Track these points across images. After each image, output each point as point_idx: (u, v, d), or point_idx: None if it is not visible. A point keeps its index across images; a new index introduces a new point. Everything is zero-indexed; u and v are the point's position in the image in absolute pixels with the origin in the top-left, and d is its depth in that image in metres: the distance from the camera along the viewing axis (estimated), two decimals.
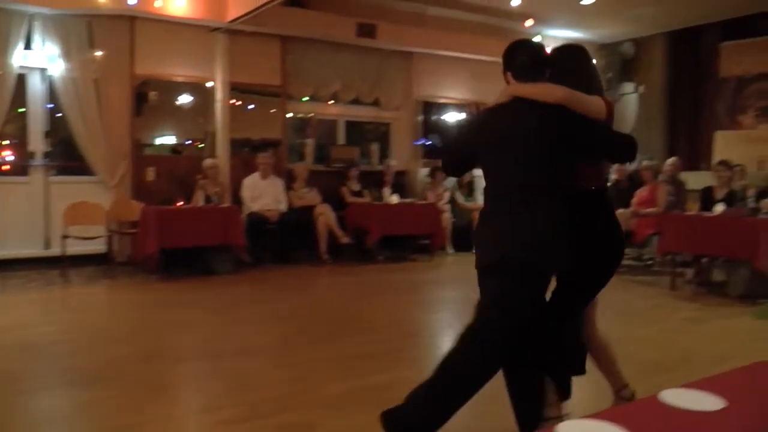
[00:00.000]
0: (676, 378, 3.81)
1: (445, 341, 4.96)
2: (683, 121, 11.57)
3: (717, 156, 10.06)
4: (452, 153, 3.03)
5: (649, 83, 11.70)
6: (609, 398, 3.26)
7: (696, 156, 11.28)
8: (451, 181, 10.05)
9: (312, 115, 9.78)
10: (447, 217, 9.52)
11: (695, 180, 9.11)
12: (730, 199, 7.15)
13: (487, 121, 2.85)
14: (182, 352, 4.49)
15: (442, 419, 2.72)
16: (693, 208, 7.88)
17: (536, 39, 10.16)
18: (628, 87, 11.89)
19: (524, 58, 2.79)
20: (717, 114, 10.89)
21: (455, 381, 2.78)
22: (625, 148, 2.87)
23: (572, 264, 2.67)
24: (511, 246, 2.64)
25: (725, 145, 10.52)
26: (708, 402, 1.47)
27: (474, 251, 2.82)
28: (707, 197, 7.38)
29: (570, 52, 3.12)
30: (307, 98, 9.59)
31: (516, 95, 2.72)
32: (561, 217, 2.64)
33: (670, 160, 8.67)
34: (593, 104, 2.71)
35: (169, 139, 8.96)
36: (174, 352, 4.47)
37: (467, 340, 2.86)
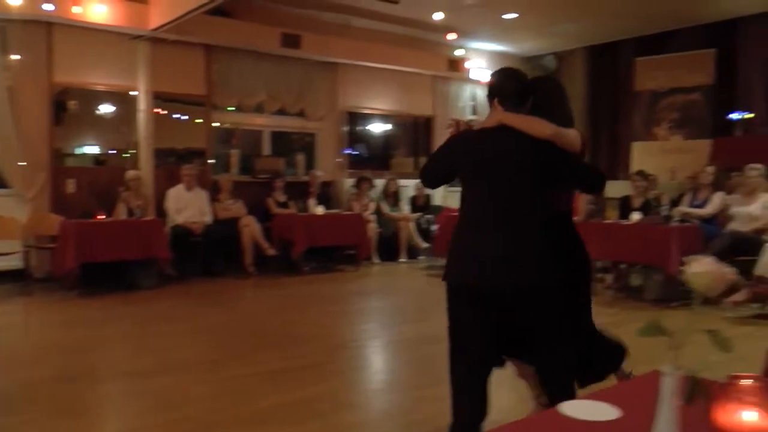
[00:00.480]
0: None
1: (371, 352, 5.04)
2: (603, 132, 12.01)
3: (634, 166, 10.49)
4: (434, 166, 3.04)
5: (571, 95, 11.94)
6: (527, 405, 3.37)
7: (615, 166, 11.72)
8: (377, 191, 10.17)
9: (237, 125, 9.72)
10: (372, 227, 9.61)
11: (614, 189, 9.45)
12: (646, 207, 7.49)
13: (474, 142, 2.87)
14: (102, 372, 4.40)
15: None
16: (612, 216, 8.20)
17: (459, 52, 10.44)
18: None
19: (512, 86, 2.89)
20: (634, 125, 11.35)
21: None
22: (597, 179, 3.09)
23: (554, 282, 2.73)
24: (490, 265, 2.66)
25: (641, 155, 10.98)
26: (605, 412, 1.57)
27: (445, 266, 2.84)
28: (625, 206, 7.70)
29: (548, 84, 3.32)
30: (232, 108, 9.55)
31: (505, 123, 2.80)
32: (542, 238, 2.73)
33: None
34: (573, 138, 2.89)
35: (92, 150, 8.77)
36: (94, 372, 4.37)
37: None
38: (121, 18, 8.11)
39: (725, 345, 1.29)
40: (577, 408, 1.58)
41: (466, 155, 2.85)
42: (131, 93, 8.56)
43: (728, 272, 1.39)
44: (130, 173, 8.10)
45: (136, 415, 3.59)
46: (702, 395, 1.24)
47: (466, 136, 2.94)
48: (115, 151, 8.88)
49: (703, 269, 1.39)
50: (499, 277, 2.65)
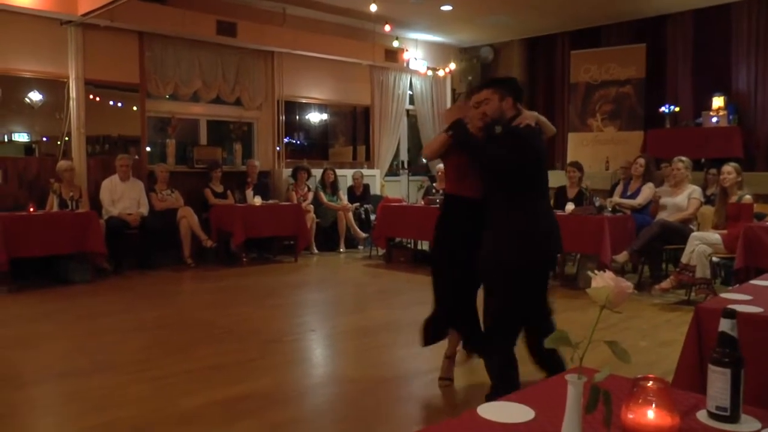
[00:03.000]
0: (526, 372, 4.10)
1: (307, 346, 5.07)
2: None
3: (570, 156, 10.75)
4: (519, 158, 3.30)
5: None
6: None
7: (551, 156, 11.97)
8: (315, 180, 10.18)
9: (173, 114, 9.58)
10: (311, 218, 9.62)
11: (551, 179, 9.65)
12: (579, 198, 7.69)
13: (539, 137, 3.47)
14: (32, 373, 4.31)
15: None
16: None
17: (397, 42, 10.49)
18: None
19: (522, 91, 3.58)
20: (569, 117, 11.61)
21: None
22: None
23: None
24: (553, 241, 3.44)
25: (577, 146, 11.25)
26: (519, 413, 1.65)
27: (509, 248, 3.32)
28: (561, 196, 7.89)
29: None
30: (167, 96, 9.41)
31: (539, 121, 3.51)
32: None
33: None
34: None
35: (21, 138, 8.53)
36: (22, 374, 4.28)
37: None
38: (49, 2, 7.89)
39: (623, 356, 1.38)
40: (493, 410, 1.66)
41: (541, 151, 3.42)
42: (62, 80, 8.35)
43: (626, 286, 1.48)
44: (63, 164, 7.92)
45: (67, 418, 3.54)
46: (604, 403, 1.33)
47: (537, 133, 3.44)
48: (46, 139, 8.64)
49: (602, 284, 1.47)
50: (556, 249, 3.52)
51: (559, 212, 7.42)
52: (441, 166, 10.18)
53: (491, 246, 3.33)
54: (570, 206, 7.40)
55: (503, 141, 3.36)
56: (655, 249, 7.06)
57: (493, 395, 3.19)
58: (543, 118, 3.58)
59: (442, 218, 3.81)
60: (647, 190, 7.60)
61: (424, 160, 8.19)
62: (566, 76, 11.66)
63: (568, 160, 9.72)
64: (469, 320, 3.81)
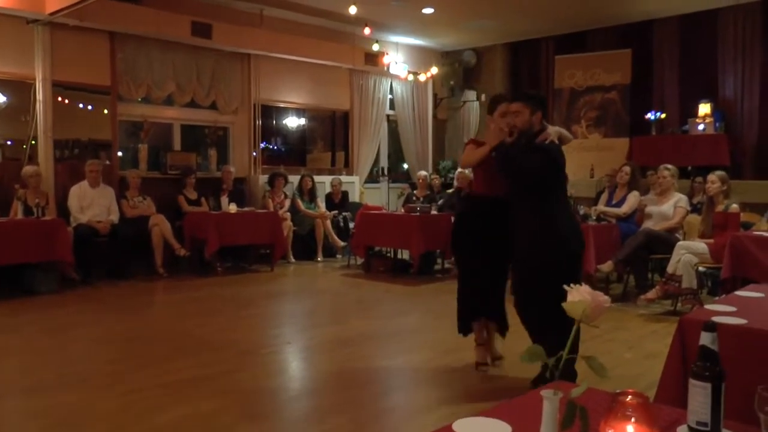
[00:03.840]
0: (505, 386, 4.11)
1: (284, 358, 5.07)
2: None
3: None
4: (548, 169, 3.98)
5: (491, 92, 12.34)
6: None
7: None
8: (292, 187, 10.17)
9: (145, 118, 9.53)
10: (288, 226, 9.61)
11: None
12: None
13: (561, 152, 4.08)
14: None
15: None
16: None
17: (377, 46, 10.53)
18: (471, 94, 12.53)
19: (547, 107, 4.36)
20: (554, 123, 11.62)
21: None
22: None
23: None
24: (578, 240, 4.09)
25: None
26: (496, 429, 1.67)
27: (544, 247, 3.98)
28: None
29: None
30: (140, 99, 9.37)
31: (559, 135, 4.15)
32: None
33: None
34: None
35: None
36: None
37: None
38: (14, 0, 7.82)
39: (600, 371, 1.40)
40: (470, 426, 1.67)
41: (563, 164, 4.05)
42: (28, 81, 8.29)
43: (604, 300, 1.51)
44: (28, 169, 7.84)
45: None
46: (580, 418, 1.35)
47: (559, 148, 4.08)
48: (11, 143, 8.57)
49: (579, 298, 1.49)
50: (579, 247, 4.08)
51: None
52: (423, 173, 10.24)
53: (524, 242, 4.04)
54: None
55: (534, 155, 3.97)
56: (640, 258, 7.14)
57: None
58: (564, 132, 4.24)
59: (463, 215, 4.58)
60: (633, 199, 7.67)
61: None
62: (550, 82, 11.77)
63: None
64: (499, 307, 4.52)
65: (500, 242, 4.22)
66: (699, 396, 1.62)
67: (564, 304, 1.52)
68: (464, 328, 4.60)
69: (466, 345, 4.94)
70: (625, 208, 7.68)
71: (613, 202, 7.91)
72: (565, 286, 1.56)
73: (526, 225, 4.02)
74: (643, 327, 5.99)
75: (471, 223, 4.44)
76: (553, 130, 4.05)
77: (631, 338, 5.51)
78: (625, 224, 7.53)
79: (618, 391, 1.51)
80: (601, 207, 7.91)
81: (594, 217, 7.51)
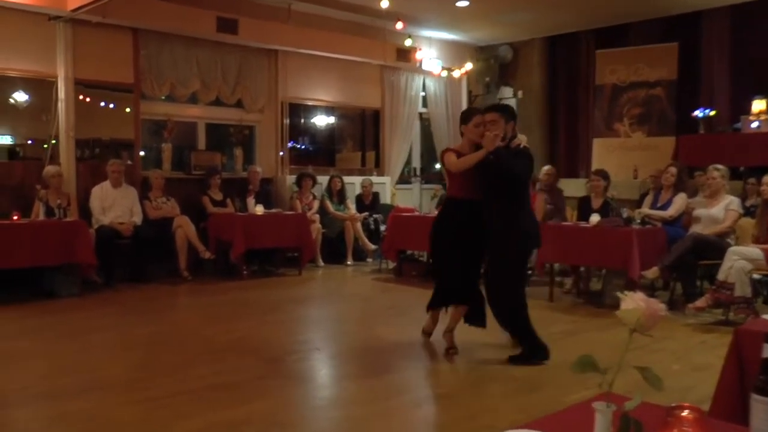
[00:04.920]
0: (544, 398, 4.08)
1: (311, 366, 5.05)
2: (562, 127, 12.26)
3: (595, 163, 10.71)
4: (530, 172, 5.17)
5: (528, 88, 12.31)
6: None
7: (574, 163, 11.97)
8: (321, 188, 10.18)
9: (169, 116, 9.59)
10: (316, 228, 9.61)
11: (575, 188, 9.64)
12: (605, 209, 7.63)
13: None
14: (13, 394, 4.29)
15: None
16: (572, 217, 8.38)
17: (409, 41, 10.51)
18: (507, 91, 12.44)
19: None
20: (594, 121, 11.58)
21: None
22: None
23: None
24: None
25: (603, 152, 11.21)
26: None
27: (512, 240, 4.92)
28: (585, 206, 7.85)
29: None
30: (163, 98, 9.45)
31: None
32: None
33: (545, 168, 9.13)
34: None
35: (4, 140, 8.58)
36: (2, 394, 4.26)
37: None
38: None
39: (656, 382, 1.35)
40: None
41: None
42: (50, 79, 8.40)
43: (660, 309, 1.45)
44: (50, 169, 7.94)
45: None
46: None
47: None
48: (31, 142, 8.69)
49: (633, 306, 1.44)
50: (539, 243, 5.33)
51: (582, 224, 7.41)
52: None
53: (503, 238, 4.90)
54: (595, 218, 7.34)
55: (520, 159, 4.84)
56: (688, 264, 6.98)
57: (524, 357, 4.92)
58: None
59: (446, 215, 5.26)
60: (679, 201, 7.54)
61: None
62: (591, 78, 11.64)
63: (593, 168, 9.70)
64: (475, 297, 5.24)
65: (475, 239, 5.07)
66: (762, 412, 1.55)
67: (618, 312, 1.48)
68: (432, 307, 5.52)
69: (502, 354, 4.92)
70: (671, 211, 7.55)
71: (659, 204, 7.79)
72: (619, 294, 1.52)
73: (505, 221, 4.90)
74: (691, 337, 5.88)
75: (452, 224, 5.16)
76: (522, 138, 5.01)
77: (678, 349, 5.41)
78: (672, 228, 7.40)
79: (673, 405, 1.46)
80: (645, 210, 7.79)
81: (638, 220, 7.39)
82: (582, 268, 7.94)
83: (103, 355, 5.20)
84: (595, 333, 5.96)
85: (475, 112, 5.26)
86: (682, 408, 1.44)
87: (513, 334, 5.18)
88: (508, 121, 4.89)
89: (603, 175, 7.96)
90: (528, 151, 4.94)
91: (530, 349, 4.96)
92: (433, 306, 5.51)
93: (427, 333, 5.60)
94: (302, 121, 11.31)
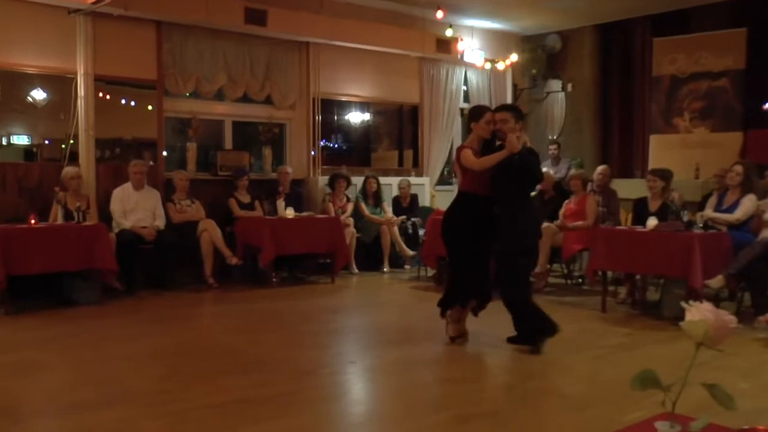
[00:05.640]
0: (598, 416, 4.04)
1: (346, 380, 5.05)
2: (616, 123, 12.14)
3: (653, 162, 10.57)
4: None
5: (578, 81, 12.21)
6: None
7: (629, 162, 11.84)
8: (355, 190, 10.18)
9: (194, 114, 9.67)
10: (351, 232, 9.62)
11: (630, 188, 9.52)
12: (664, 211, 7.51)
13: None
14: (32, 406, 4.37)
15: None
16: (627, 221, 8.27)
17: (450, 31, 10.49)
18: (555, 84, 12.38)
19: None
20: (651, 116, 11.45)
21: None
22: None
23: None
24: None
25: (661, 150, 11.06)
26: None
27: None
28: (641, 209, 7.75)
29: None
30: (188, 94, 9.54)
31: None
32: None
33: (600, 168, 9.06)
34: None
35: (21, 141, 8.73)
36: (22, 406, 4.32)
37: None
38: None
39: (727, 401, 1.32)
40: None
41: None
42: (69, 76, 8.52)
43: (729, 321, 1.42)
44: (69, 170, 8.06)
45: None
46: None
47: None
48: (48, 142, 8.83)
49: (700, 317, 1.41)
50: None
51: (638, 228, 7.31)
52: None
53: (516, 230, 5.52)
54: (652, 221, 7.22)
55: (534, 158, 5.55)
56: (758, 272, 6.85)
57: (522, 337, 5.64)
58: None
59: (462, 211, 5.69)
60: (748, 203, 7.41)
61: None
62: (647, 68, 11.51)
63: (650, 167, 9.57)
64: (485, 286, 5.80)
65: (487, 234, 5.61)
66: None
67: (683, 324, 1.45)
68: (450, 306, 5.85)
69: (550, 369, 4.92)
70: (738, 214, 7.42)
71: (724, 207, 7.64)
72: (684, 304, 1.50)
73: (517, 215, 5.55)
74: (761, 353, 5.79)
75: (470, 218, 5.64)
76: (525, 137, 5.60)
77: (747, 366, 5.29)
78: (739, 233, 7.26)
79: (745, 427, 1.42)
80: (708, 212, 7.65)
81: (700, 224, 7.24)
82: (638, 277, 7.84)
83: (126, 366, 5.25)
84: (653, 347, 5.89)
85: (485, 109, 5.89)
86: (756, 431, 1.41)
87: (514, 317, 5.71)
88: (518, 121, 5.57)
89: (661, 174, 7.83)
90: (534, 150, 5.69)
91: (535, 330, 5.62)
92: (452, 305, 5.85)
93: (458, 336, 5.86)
94: (335, 118, 11.35)
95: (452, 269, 6.08)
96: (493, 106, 12.25)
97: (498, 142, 5.63)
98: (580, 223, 8.42)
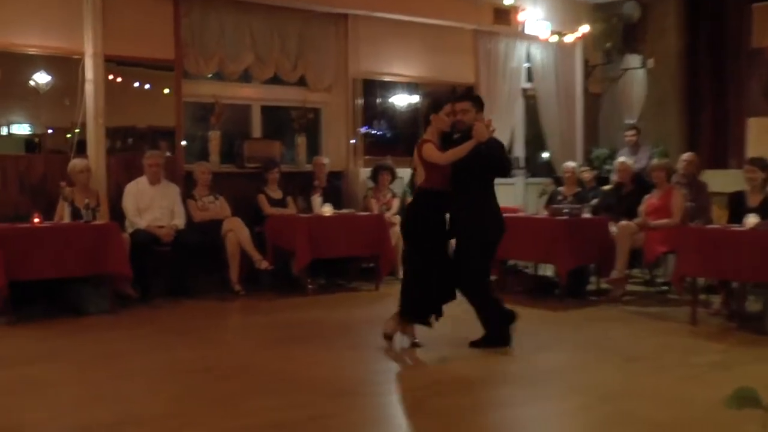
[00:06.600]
0: None
1: (390, 401, 5.02)
2: (706, 104, 11.91)
3: (751, 150, 10.36)
4: None
5: (661, 55, 12.03)
6: None
7: (723, 150, 11.60)
8: (402, 184, 10.13)
9: (217, 98, 9.72)
10: (397, 233, 9.55)
11: (723, 181, 9.34)
12: (765, 207, 7.35)
13: None
14: (37, 425, 4.39)
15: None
16: (721, 218, 8.11)
17: (508, 0, 10.40)
18: (634, 60, 12.21)
19: None
20: (750, 95, 11.24)
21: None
22: None
23: None
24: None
25: (761, 135, 10.84)
26: None
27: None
28: (738, 205, 7.60)
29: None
30: (210, 76, 9.59)
31: None
32: None
33: (686, 156, 8.94)
34: None
35: (22, 130, 8.84)
36: (25, 426, 4.36)
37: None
38: None
39: None
40: None
41: None
42: (75, 57, 8.59)
43: None
44: (76, 163, 8.15)
45: None
46: None
47: None
48: (51, 131, 8.93)
49: None
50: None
51: (735, 227, 7.16)
52: (572, 164, 10.00)
53: (477, 222, 6.06)
54: (752, 219, 7.05)
55: (500, 147, 6.16)
56: None
57: (488, 339, 6.17)
58: None
59: (430, 209, 6.09)
60: None
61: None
62: (745, 39, 11.29)
63: (748, 156, 9.38)
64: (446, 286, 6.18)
65: (447, 232, 6.16)
66: None
67: None
68: (423, 316, 6.26)
69: (630, 390, 4.84)
70: None
71: None
72: None
73: (479, 206, 6.10)
74: None
75: (431, 217, 6.09)
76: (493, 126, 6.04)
77: None
78: None
79: None
80: None
81: None
82: (734, 284, 7.68)
83: (140, 383, 5.29)
84: (753, 366, 5.76)
85: (445, 101, 6.31)
86: None
87: (478, 315, 6.22)
88: (479, 111, 6.09)
89: (762, 164, 7.66)
90: (498, 139, 6.17)
91: (495, 330, 6.19)
92: (421, 316, 6.30)
93: (392, 335, 6.32)
94: (378, 101, 11.32)
95: (410, 272, 6.37)
96: (555, 85, 12.40)
97: (456, 135, 6.09)
98: (664, 221, 8.30)
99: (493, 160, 5.89)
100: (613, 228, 8.47)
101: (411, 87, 11.48)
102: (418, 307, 6.24)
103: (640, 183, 9.33)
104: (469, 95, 6.73)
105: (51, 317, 7.30)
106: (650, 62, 12.05)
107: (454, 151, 5.88)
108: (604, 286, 8.87)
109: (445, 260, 6.20)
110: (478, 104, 6.15)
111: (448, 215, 6.14)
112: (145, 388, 5.18)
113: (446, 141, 6.07)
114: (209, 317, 7.73)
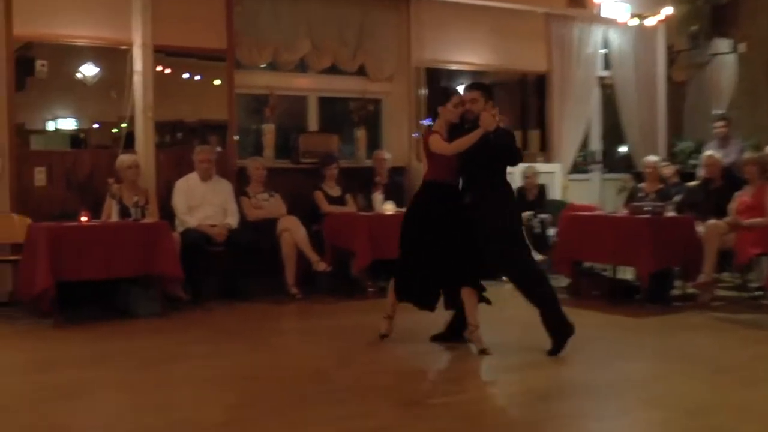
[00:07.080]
0: None
1: (461, 413, 4.97)
2: None
3: None
4: None
5: (753, 39, 11.85)
6: None
7: None
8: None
9: (272, 90, 9.79)
10: None
11: None
12: None
13: None
14: None
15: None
16: None
17: None
18: (723, 45, 12.04)
19: None
20: None
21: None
22: None
23: None
24: None
25: None
26: None
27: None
28: None
29: None
30: (264, 66, 9.65)
31: None
32: None
33: None
34: None
35: (68, 125, 8.95)
36: None
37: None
38: None
39: None
40: None
41: None
42: (123, 48, 8.70)
43: None
44: (125, 159, 8.24)
45: None
46: None
47: None
48: (98, 126, 9.04)
49: None
50: None
51: None
52: (653, 159, 9.88)
53: (494, 213, 6.22)
54: None
55: (509, 136, 6.32)
56: None
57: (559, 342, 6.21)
58: None
59: (437, 200, 6.29)
60: None
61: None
62: None
63: None
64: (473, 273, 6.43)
65: (453, 226, 6.24)
66: None
67: None
68: (430, 302, 6.58)
69: (719, 404, 4.84)
70: None
71: None
72: None
73: (494, 196, 6.30)
74: None
75: (435, 210, 6.29)
76: (500, 116, 6.18)
77: None
78: None
79: None
80: None
81: None
82: None
83: (193, 391, 5.33)
84: None
85: (452, 91, 6.61)
86: None
87: (541, 312, 6.32)
88: (488, 100, 6.19)
89: None
90: (509, 129, 6.56)
91: (559, 328, 6.24)
92: (429, 304, 6.62)
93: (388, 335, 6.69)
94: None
95: (404, 260, 6.62)
96: (635, 73, 12.26)
97: (466, 125, 6.22)
98: (758, 220, 8.15)
99: (502, 149, 6.09)
100: (700, 227, 8.34)
101: (478, 75, 11.42)
102: (413, 290, 6.52)
103: (730, 179, 9.17)
104: (477, 84, 6.72)
105: (99, 320, 7.41)
106: (741, 47, 11.88)
107: (461, 141, 6.06)
108: (690, 290, 8.77)
109: (445, 252, 6.25)
110: (488, 93, 6.29)
111: (454, 209, 6.27)
112: (200, 395, 5.22)
113: (457, 133, 6.19)
114: (264, 321, 7.79)
